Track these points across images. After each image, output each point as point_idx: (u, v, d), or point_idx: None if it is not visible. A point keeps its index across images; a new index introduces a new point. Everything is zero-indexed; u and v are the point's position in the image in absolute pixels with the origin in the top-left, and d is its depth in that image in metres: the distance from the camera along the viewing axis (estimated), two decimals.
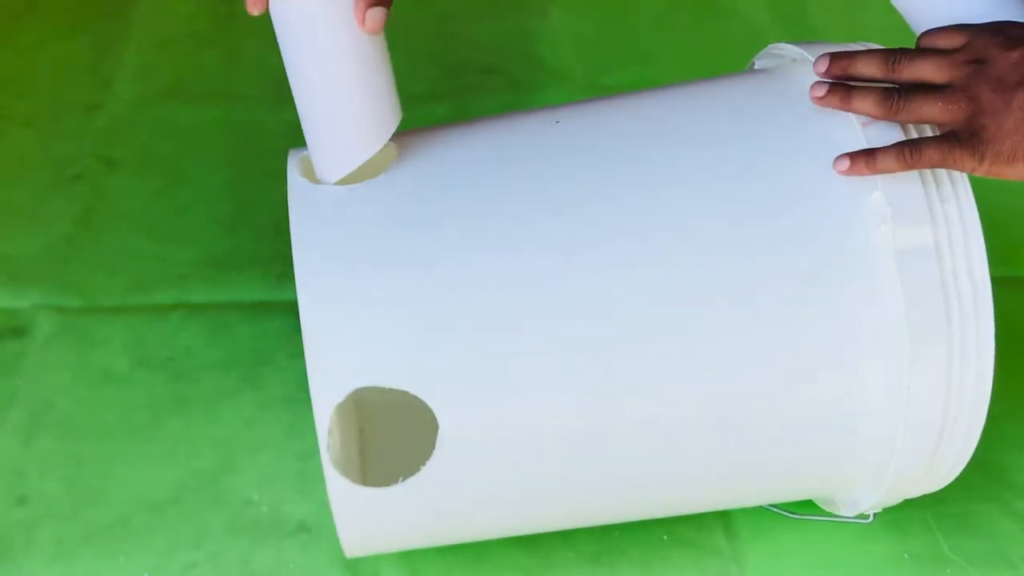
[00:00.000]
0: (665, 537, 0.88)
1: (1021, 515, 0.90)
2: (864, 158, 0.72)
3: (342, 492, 0.73)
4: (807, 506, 0.88)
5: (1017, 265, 1.08)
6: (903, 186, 0.72)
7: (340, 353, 0.72)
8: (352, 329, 0.72)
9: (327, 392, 0.71)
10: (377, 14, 0.72)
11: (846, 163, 0.72)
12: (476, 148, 0.79)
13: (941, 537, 0.88)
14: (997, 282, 0.73)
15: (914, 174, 0.72)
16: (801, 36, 1.33)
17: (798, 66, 0.80)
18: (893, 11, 1.41)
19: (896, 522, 0.87)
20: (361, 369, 0.71)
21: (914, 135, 0.73)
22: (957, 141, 0.71)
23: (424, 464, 0.72)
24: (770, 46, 0.84)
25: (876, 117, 0.73)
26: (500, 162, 0.78)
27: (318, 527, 0.89)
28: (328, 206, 0.75)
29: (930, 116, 0.72)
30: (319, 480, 0.80)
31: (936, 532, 0.88)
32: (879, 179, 0.72)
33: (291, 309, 1.05)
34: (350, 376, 0.71)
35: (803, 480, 0.82)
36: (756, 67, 0.86)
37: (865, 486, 0.80)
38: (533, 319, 0.72)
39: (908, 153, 0.71)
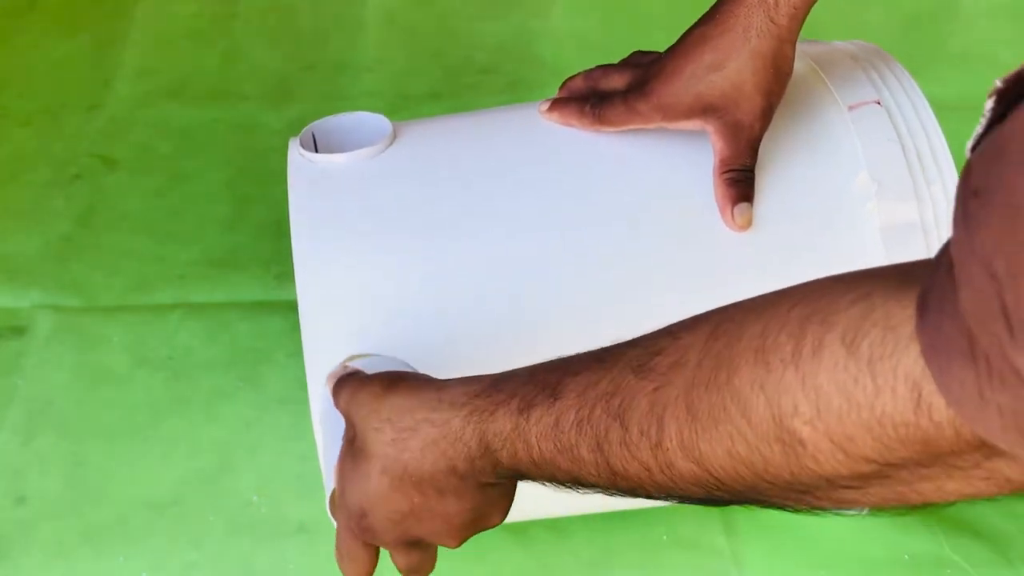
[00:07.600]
0: (664, 537, 0.88)
1: (1021, 516, 0.90)
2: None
3: None
4: None
5: None
6: (888, 165, 0.73)
7: (335, 318, 0.72)
8: (348, 296, 0.73)
9: (321, 356, 0.71)
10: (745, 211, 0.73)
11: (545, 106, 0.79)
12: (473, 132, 0.81)
13: (942, 538, 0.88)
14: None
15: (899, 154, 0.74)
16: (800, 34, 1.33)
17: (797, 62, 0.80)
18: (893, 11, 1.41)
19: (896, 522, 0.87)
20: (355, 336, 0.71)
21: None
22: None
23: None
24: None
25: None
26: (495, 143, 0.79)
27: (318, 527, 0.88)
28: (326, 178, 0.76)
29: None
30: (319, 481, 0.80)
31: (937, 532, 0.88)
32: (864, 159, 0.73)
33: (291, 308, 1.05)
34: (344, 343, 0.71)
35: None
36: None
37: None
38: (531, 292, 0.73)
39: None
